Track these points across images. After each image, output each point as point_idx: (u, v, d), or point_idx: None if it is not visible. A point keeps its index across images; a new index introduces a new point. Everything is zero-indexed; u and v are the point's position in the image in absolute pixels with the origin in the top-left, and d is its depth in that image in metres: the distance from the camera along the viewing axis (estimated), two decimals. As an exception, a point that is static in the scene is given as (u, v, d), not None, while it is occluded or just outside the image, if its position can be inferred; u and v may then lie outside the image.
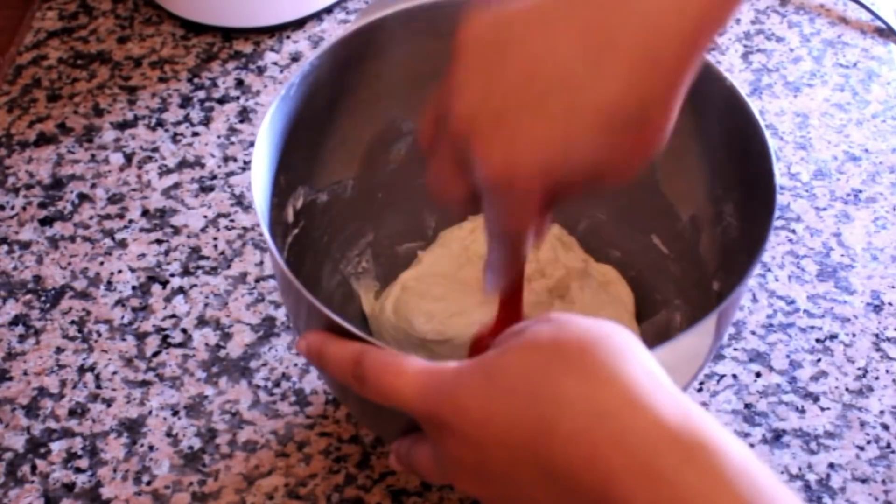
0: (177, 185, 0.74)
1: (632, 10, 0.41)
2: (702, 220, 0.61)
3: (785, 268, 0.71)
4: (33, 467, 0.61)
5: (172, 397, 0.64)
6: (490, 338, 0.56)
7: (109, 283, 0.69)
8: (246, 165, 0.76)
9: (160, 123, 0.78)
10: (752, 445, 0.62)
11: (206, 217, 0.73)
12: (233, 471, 0.61)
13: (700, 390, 0.65)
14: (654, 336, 0.62)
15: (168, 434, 0.62)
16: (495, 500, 0.42)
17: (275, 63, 0.82)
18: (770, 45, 0.84)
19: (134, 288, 0.69)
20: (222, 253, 0.71)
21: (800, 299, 0.69)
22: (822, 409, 0.64)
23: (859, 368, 0.66)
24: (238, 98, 0.80)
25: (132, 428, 0.63)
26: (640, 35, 0.41)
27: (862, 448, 0.63)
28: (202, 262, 0.70)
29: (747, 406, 0.64)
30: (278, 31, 0.84)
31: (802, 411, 0.64)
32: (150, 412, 0.63)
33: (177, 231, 0.72)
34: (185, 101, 0.79)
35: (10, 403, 0.63)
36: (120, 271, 0.70)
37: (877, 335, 0.68)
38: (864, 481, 0.61)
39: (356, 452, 0.62)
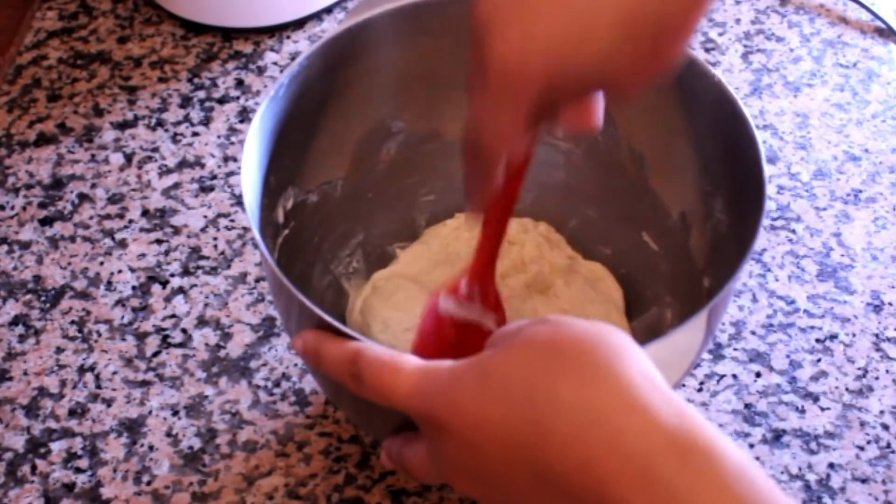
0: (177, 185, 0.74)
1: None
2: (691, 216, 0.61)
3: (785, 268, 0.71)
4: (33, 467, 0.61)
5: (172, 397, 0.64)
6: (452, 292, 0.55)
7: (109, 283, 0.69)
8: (246, 165, 0.76)
9: (160, 123, 0.78)
10: (751, 445, 0.62)
11: (206, 217, 0.73)
12: (233, 471, 0.61)
13: (700, 390, 0.65)
14: (645, 333, 0.62)
15: (168, 434, 0.62)
16: (492, 500, 0.42)
17: (275, 63, 0.82)
18: (770, 45, 0.84)
19: (134, 288, 0.69)
20: (222, 253, 0.71)
21: (800, 299, 0.69)
22: (822, 409, 0.64)
23: (859, 368, 0.66)
24: (238, 98, 0.80)
25: (132, 428, 0.63)
26: None
27: (862, 448, 0.63)
28: (202, 262, 0.70)
29: (747, 406, 0.64)
30: (278, 31, 0.84)
31: (802, 411, 0.64)
32: (150, 412, 0.63)
33: (177, 231, 0.72)
34: (185, 101, 0.79)
35: (10, 403, 0.63)
36: (120, 271, 0.70)
37: (877, 335, 0.68)
38: (864, 481, 0.61)
39: (356, 452, 0.62)
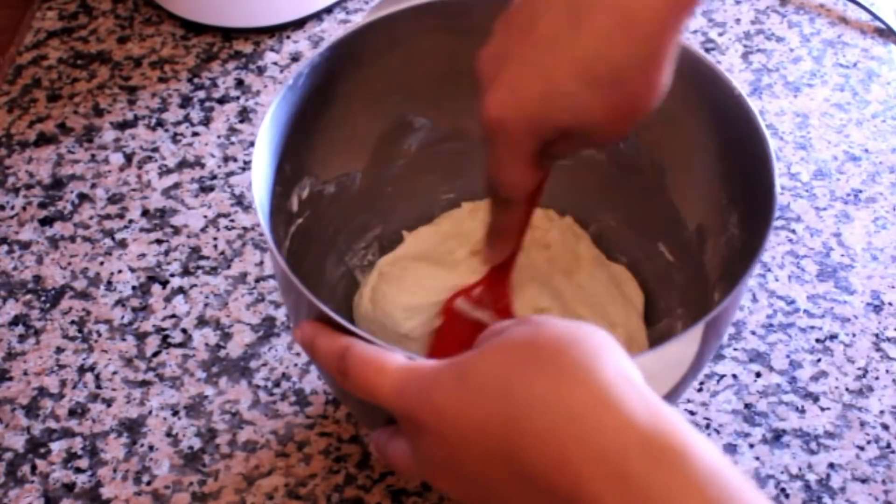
0: (177, 185, 0.74)
1: None
2: (708, 229, 0.61)
3: (785, 268, 0.71)
4: (33, 467, 0.61)
5: (172, 397, 0.64)
6: (466, 296, 0.59)
7: (109, 283, 0.69)
8: (246, 165, 0.76)
9: (160, 123, 0.78)
10: (751, 445, 0.62)
11: (206, 217, 0.73)
12: (233, 471, 0.61)
13: (700, 390, 0.65)
14: (656, 344, 0.62)
15: (168, 434, 0.62)
16: (471, 499, 0.42)
17: (275, 63, 0.82)
18: (770, 45, 0.84)
19: (134, 288, 0.69)
20: (222, 253, 0.71)
21: (800, 299, 0.69)
22: (822, 409, 0.64)
23: (859, 368, 0.66)
24: (238, 98, 0.80)
25: (132, 428, 0.63)
26: (617, 3, 0.45)
27: (862, 448, 0.63)
28: (202, 262, 0.70)
29: (747, 406, 0.64)
30: (278, 31, 0.84)
31: (802, 411, 0.64)
32: (150, 412, 0.63)
33: (177, 231, 0.72)
34: (185, 101, 0.79)
35: (10, 403, 0.63)
36: (120, 271, 0.70)
37: (877, 335, 0.68)
38: (864, 481, 0.61)
39: (356, 452, 0.62)
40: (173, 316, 0.68)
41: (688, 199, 0.62)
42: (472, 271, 0.62)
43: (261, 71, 0.81)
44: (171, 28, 0.84)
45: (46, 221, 0.72)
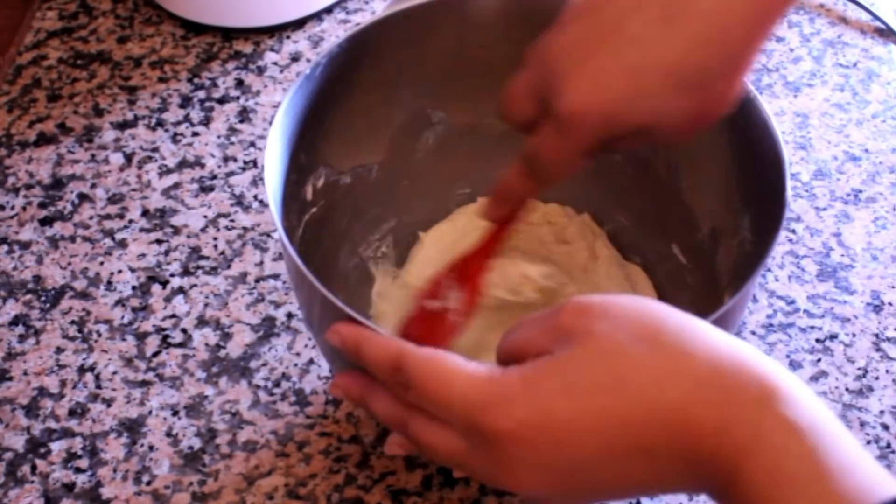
0: (177, 185, 0.74)
1: None
2: (721, 232, 0.61)
3: (785, 268, 0.71)
4: (33, 467, 0.61)
5: (172, 397, 0.64)
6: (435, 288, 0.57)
7: (109, 283, 0.69)
8: (246, 165, 0.76)
9: (160, 123, 0.78)
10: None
11: (206, 217, 0.73)
12: (233, 471, 0.61)
13: (700, 390, 0.65)
14: None
15: (168, 434, 0.62)
16: (572, 493, 0.43)
17: (275, 63, 0.82)
18: (770, 45, 0.84)
19: (134, 288, 0.69)
20: (222, 253, 0.71)
21: (800, 299, 0.69)
22: (822, 409, 0.64)
23: (859, 368, 0.66)
24: (238, 98, 0.80)
25: (132, 428, 0.63)
26: (711, 8, 0.45)
27: (862, 448, 0.63)
28: (202, 262, 0.70)
29: (747, 406, 0.64)
30: (278, 31, 0.84)
31: (802, 411, 0.64)
32: (150, 412, 0.63)
33: (177, 231, 0.72)
34: (185, 101, 0.79)
35: (10, 403, 0.63)
36: (120, 271, 0.70)
37: (877, 335, 0.68)
38: (864, 481, 0.61)
39: (356, 452, 0.62)
40: (173, 316, 0.68)
41: (702, 202, 0.62)
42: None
43: (261, 71, 0.81)
44: (171, 28, 0.84)
45: (46, 221, 0.72)
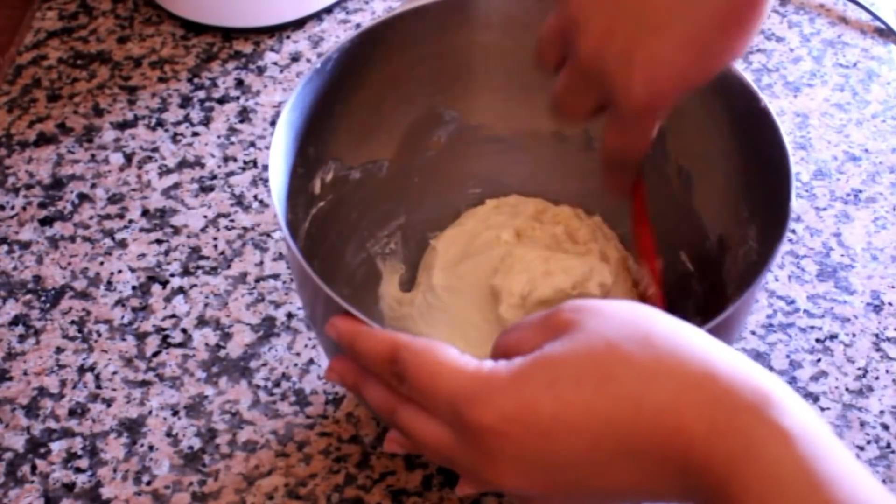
0: (177, 185, 0.74)
1: None
2: (728, 240, 0.61)
3: (785, 268, 0.71)
4: (33, 467, 0.61)
5: (172, 397, 0.64)
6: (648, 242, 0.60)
7: (109, 283, 0.69)
8: (246, 165, 0.76)
9: (160, 123, 0.78)
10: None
11: (206, 217, 0.73)
12: (233, 471, 0.61)
13: (700, 390, 0.65)
14: None
15: (168, 434, 0.62)
16: (558, 491, 0.42)
17: (275, 63, 0.82)
18: (770, 45, 0.84)
19: (134, 288, 0.69)
20: (222, 253, 0.71)
21: (800, 299, 0.69)
22: (822, 409, 0.64)
23: (859, 368, 0.66)
24: (238, 98, 0.80)
25: (132, 428, 0.63)
26: None
27: (862, 448, 0.63)
28: (202, 262, 0.70)
29: (747, 406, 0.64)
30: (278, 31, 0.84)
31: (802, 411, 0.64)
32: (150, 412, 0.63)
33: (177, 231, 0.72)
34: (185, 101, 0.79)
35: (10, 403, 0.63)
36: (120, 271, 0.70)
37: (877, 335, 0.68)
38: (864, 481, 0.61)
39: (356, 452, 0.62)
40: (173, 316, 0.68)
41: (711, 210, 0.62)
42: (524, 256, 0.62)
43: (261, 71, 0.81)
44: (171, 28, 0.84)
45: (46, 221, 0.72)
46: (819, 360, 0.66)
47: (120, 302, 0.68)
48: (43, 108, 0.79)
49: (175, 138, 0.77)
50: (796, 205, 0.74)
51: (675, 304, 0.65)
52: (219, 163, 0.76)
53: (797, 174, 0.76)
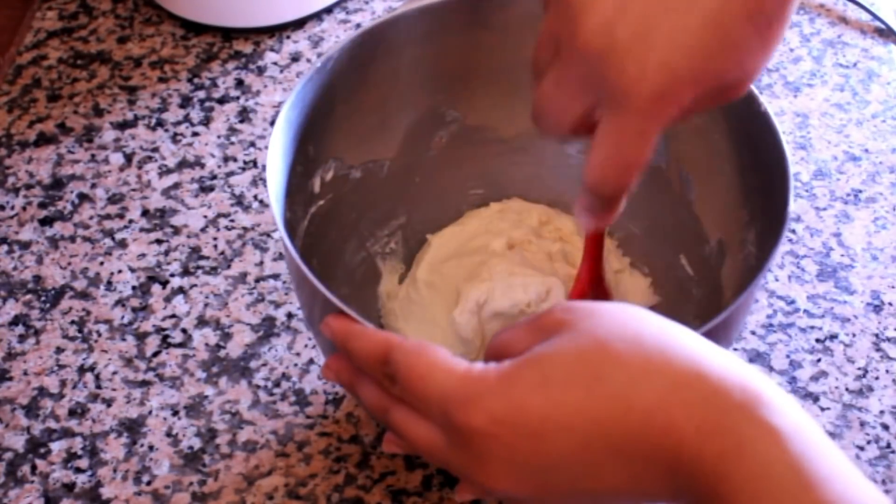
0: (177, 185, 0.74)
1: None
2: (728, 245, 0.61)
3: (785, 268, 0.71)
4: (33, 467, 0.61)
5: (172, 397, 0.64)
6: (584, 285, 0.57)
7: (109, 283, 0.69)
8: (246, 165, 0.76)
9: (160, 123, 0.78)
10: (752, 445, 0.62)
11: (206, 217, 0.73)
12: (233, 471, 0.61)
13: (700, 390, 0.65)
14: None
15: (168, 434, 0.62)
16: (547, 492, 0.42)
17: (275, 63, 0.82)
18: (770, 45, 0.84)
19: (134, 288, 0.69)
20: (222, 253, 0.71)
21: (800, 299, 0.69)
22: (822, 409, 0.64)
23: (859, 368, 0.66)
24: (238, 98, 0.80)
25: (132, 428, 0.63)
26: None
27: (862, 448, 0.63)
28: (202, 262, 0.70)
29: (747, 406, 0.64)
30: (278, 31, 0.84)
31: (802, 411, 0.64)
32: (150, 412, 0.63)
33: (177, 231, 0.72)
34: (185, 101, 0.79)
35: (10, 403, 0.63)
36: (120, 271, 0.70)
37: (877, 335, 0.68)
38: (864, 481, 0.61)
39: (356, 452, 0.62)
40: (173, 316, 0.68)
41: (711, 214, 0.62)
42: (514, 263, 0.62)
43: (261, 71, 0.81)
44: (171, 28, 0.84)
45: (46, 221, 0.72)
46: (819, 360, 0.66)
47: (120, 302, 0.68)
48: (43, 108, 0.79)
49: (175, 138, 0.77)
50: (796, 206, 0.74)
51: (675, 308, 0.65)
52: (219, 163, 0.76)
53: (797, 174, 0.76)
